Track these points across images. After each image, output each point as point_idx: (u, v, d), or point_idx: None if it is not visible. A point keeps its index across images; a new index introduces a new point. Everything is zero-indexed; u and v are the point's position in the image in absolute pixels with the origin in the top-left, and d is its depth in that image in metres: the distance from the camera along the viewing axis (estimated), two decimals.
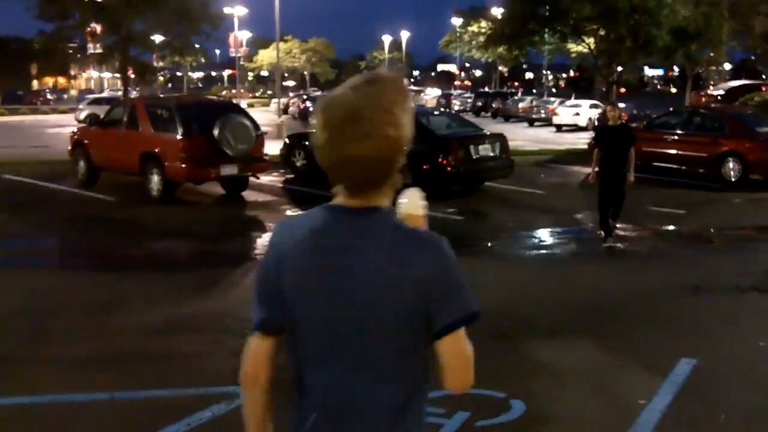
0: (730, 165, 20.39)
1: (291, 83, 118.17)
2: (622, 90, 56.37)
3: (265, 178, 19.62)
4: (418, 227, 2.61)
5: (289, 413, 2.73)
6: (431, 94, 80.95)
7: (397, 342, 2.50)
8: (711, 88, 48.93)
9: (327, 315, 2.51)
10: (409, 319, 2.47)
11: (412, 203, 2.68)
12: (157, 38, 43.09)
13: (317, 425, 2.58)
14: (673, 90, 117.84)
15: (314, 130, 2.50)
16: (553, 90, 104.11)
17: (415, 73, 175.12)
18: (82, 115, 42.69)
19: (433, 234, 2.60)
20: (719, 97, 40.60)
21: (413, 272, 2.45)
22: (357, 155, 2.42)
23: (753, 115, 24.82)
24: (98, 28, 39.59)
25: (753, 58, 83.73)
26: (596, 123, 40.04)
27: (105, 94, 66.64)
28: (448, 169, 18.00)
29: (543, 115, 49.15)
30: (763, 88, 42.92)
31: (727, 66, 78.23)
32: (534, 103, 54.27)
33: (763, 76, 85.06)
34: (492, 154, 19.03)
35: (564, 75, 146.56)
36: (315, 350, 2.60)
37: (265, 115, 43.20)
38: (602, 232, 13.24)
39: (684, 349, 7.91)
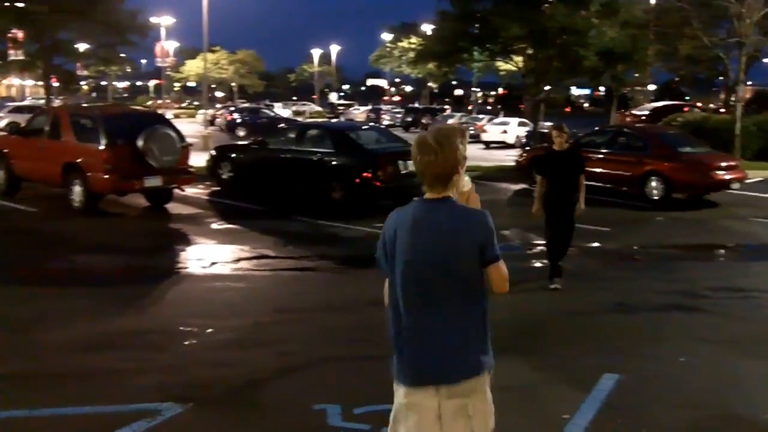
0: (654, 184, 20.66)
1: (219, 94, 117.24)
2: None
3: (190, 191, 19.46)
4: (472, 207, 4.45)
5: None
6: (361, 109, 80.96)
7: (467, 274, 4.06)
8: (636, 108, 49.72)
9: (420, 258, 4.07)
10: (463, 258, 4.04)
11: (462, 184, 4.51)
12: (82, 46, 42.38)
13: (417, 349, 4.09)
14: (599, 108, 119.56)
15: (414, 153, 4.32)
16: (488, 108, 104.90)
17: (345, 87, 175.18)
18: (3, 123, 41.75)
19: (480, 211, 4.22)
20: (644, 117, 41.35)
21: (471, 231, 4.06)
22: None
23: (676, 135, 25.25)
24: (20, 34, 38.78)
25: (677, 79, 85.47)
26: (524, 141, 40.39)
27: (27, 102, 65.21)
28: (377, 183, 17.95)
29: (472, 132, 49.44)
30: (686, 109, 43.86)
31: (652, 87, 79.64)
32: (463, 119, 54.61)
33: (687, 97, 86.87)
34: None
35: (493, 93, 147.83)
36: (410, 289, 4.09)
37: (191, 127, 42.69)
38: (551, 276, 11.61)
39: (607, 365, 8.02)
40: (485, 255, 4.04)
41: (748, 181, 22.51)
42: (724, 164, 21.41)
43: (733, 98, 36.18)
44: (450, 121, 55.33)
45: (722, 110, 50.48)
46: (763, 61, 41.65)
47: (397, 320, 4.14)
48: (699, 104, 57.06)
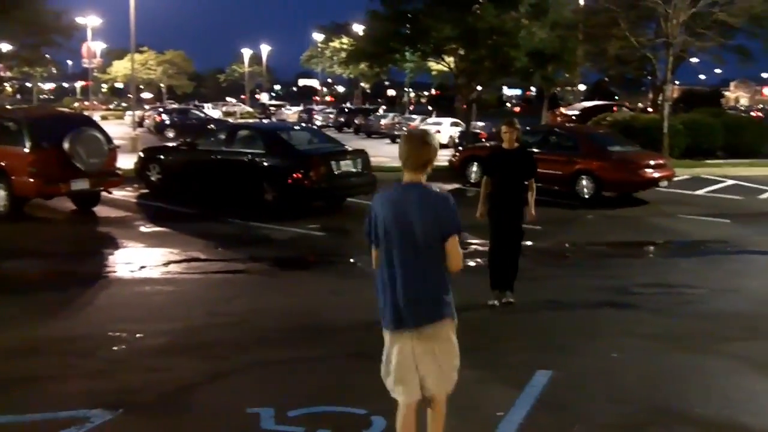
0: (584, 183, 20.90)
1: (147, 95, 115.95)
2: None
3: (118, 193, 19.20)
4: (439, 190, 5.35)
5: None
6: (293, 109, 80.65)
7: (434, 243, 5.20)
8: (566, 108, 50.26)
9: (398, 229, 5.21)
10: (430, 227, 5.18)
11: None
12: (5, 47, 41.50)
13: (397, 300, 5.28)
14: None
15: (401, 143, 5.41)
16: (429, 108, 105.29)
17: (277, 87, 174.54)
18: None
19: (445, 193, 5.34)
20: (574, 117, 41.79)
21: (435, 208, 5.21)
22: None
23: (605, 134, 25.58)
24: None
25: (606, 79, 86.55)
26: (457, 141, 40.52)
27: None
28: (310, 184, 17.84)
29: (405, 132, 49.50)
30: (615, 109, 44.45)
31: (582, 87, 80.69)
32: (396, 119, 54.67)
33: (616, 97, 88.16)
34: (354, 170, 18.99)
35: (426, 93, 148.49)
36: (391, 253, 5.27)
37: (119, 128, 42.19)
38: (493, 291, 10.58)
39: (540, 361, 8.07)
40: (443, 228, 5.18)
41: (675, 179, 22.90)
42: (652, 163, 21.73)
43: (660, 98, 36.72)
44: (383, 122, 55.37)
45: (650, 110, 51.23)
46: (690, 61, 42.26)
47: (382, 277, 5.37)
48: (627, 104, 57.93)
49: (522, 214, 10.60)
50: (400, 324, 5.31)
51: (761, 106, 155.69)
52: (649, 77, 52.07)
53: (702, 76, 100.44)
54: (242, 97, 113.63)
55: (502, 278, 10.57)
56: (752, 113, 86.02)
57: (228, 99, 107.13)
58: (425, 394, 5.47)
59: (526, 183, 10.57)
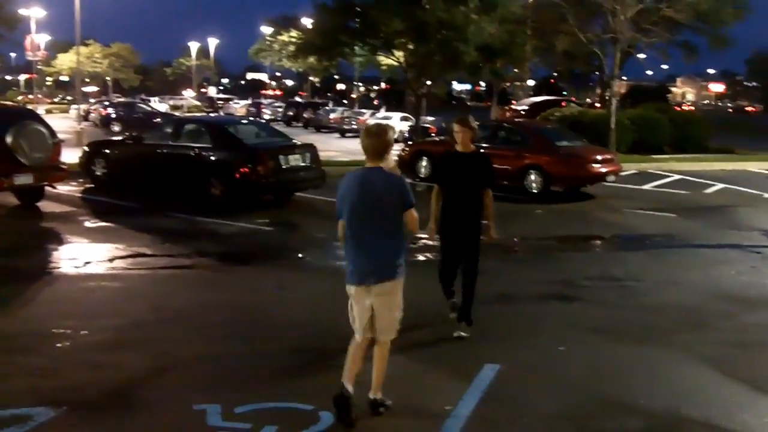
0: (533, 177, 21.02)
1: (93, 89, 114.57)
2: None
3: (62, 188, 18.89)
4: (394, 172, 6.58)
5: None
6: (241, 103, 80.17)
7: (392, 216, 6.48)
8: (515, 103, 50.55)
9: (363, 205, 6.43)
10: (394, 205, 6.45)
11: (389, 162, 6.59)
12: None
13: (360, 261, 6.54)
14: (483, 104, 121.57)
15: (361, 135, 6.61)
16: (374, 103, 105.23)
17: (225, 80, 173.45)
18: None
19: (399, 176, 6.62)
20: (523, 112, 42.06)
21: (394, 188, 6.47)
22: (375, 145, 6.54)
23: (554, 129, 25.70)
24: None
25: (555, 74, 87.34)
26: (406, 135, 40.55)
27: None
28: (257, 179, 17.73)
29: (354, 127, 49.52)
30: (563, 104, 44.80)
31: (531, 82, 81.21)
32: (345, 114, 54.61)
33: (564, 93, 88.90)
34: (303, 165, 18.91)
35: (375, 87, 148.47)
36: (357, 224, 6.48)
37: (64, 122, 41.70)
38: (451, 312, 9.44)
39: (488, 355, 8.12)
40: (404, 203, 6.48)
41: (622, 173, 23.11)
42: (600, 157, 21.90)
43: (608, 93, 37.09)
44: (332, 116, 55.29)
45: (598, 105, 51.80)
46: (637, 57, 42.67)
47: (351, 243, 6.56)
48: (573, 99, 58.45)
49: (479, 231, 9.11)
50: (362, 281, 6.53)
51: (693, 101, 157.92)
52: (597, 73, 52.69)
53: (649, 72, 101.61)
54: (203, 90, 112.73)
55: (452, 290, 9.48)
56: (683, 107, 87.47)
57: (184, 94, 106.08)
58: (374, 335, 6.70)
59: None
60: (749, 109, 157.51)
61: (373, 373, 6.79)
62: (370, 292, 6.52)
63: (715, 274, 12.66)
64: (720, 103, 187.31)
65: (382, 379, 6.81)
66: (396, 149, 31.85)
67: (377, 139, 6.52)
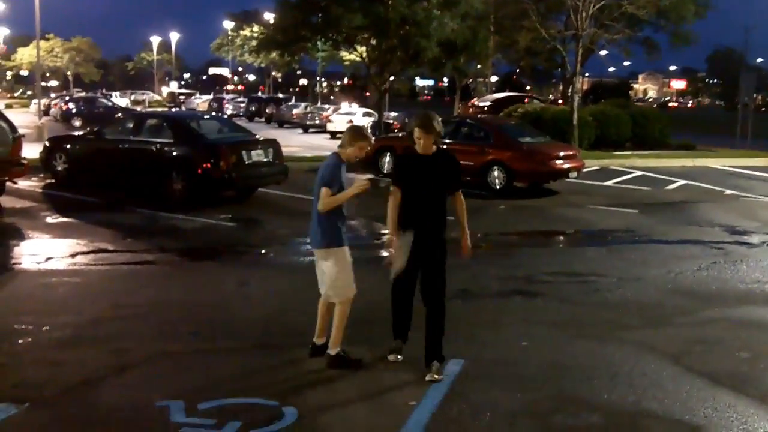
0: (495, 173, 21.09)
1: (53, 83, 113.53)
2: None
3: (23, 183, 18.79)
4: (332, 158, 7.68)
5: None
6: (203, 98, 79.77)
7: (317, 194, 7.45)
8: (478, 99, 50.70)
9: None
10: (318, 184, 7.48)
11: (347, 152, 7.71)
12: None
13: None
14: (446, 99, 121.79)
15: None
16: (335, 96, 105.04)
17: (186, 75, 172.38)
18: None
19: (329, 159, 7.66)
20: (486, 108, 42.14)
21: (319, 170, 7.58)
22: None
23: (517, 125, 25.80)
24: None
25: (517, 71, 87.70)
26: (369, 131, 40.48)
27: None
28: (219, 174, 17.65)
29: (317, 122, 49.42)
30: (526, 100, 44.99)
31: (494, 78, 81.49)
32: (308, 109, 54.51)
33: (527, 88, 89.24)
34: (265, 160, 18.85)
35: (338, 82, 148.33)
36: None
37: (24, 117, 41.30)
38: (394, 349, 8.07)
39: (452, 351, 8.06)
40: (320, 183, 7.45)
41: (585, 170, 23.25)
42: (562, 154, 22.03)
43: (570, 89, 37.30)
44: (295, 111, 55.15)
45: (560, 101, 52.02)
46: (599, 54, 43.02)
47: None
48: (532, 95, 58.68)
49: (444, 242, 7.77)
50: (312, 246, 7.86)
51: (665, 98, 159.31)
52: (559, 69, 52.90)
53: (611, 69, 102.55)
54: (173, 84, 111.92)
55: (407, 323, 8.08)
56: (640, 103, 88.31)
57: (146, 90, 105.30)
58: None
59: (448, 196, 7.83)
60: (672, 105, 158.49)
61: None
62: (316, 256, 7.86)
63: (677, 269, 12.75)
64: (682, 99, 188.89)
65: (339, 337, 7.66)
66: None
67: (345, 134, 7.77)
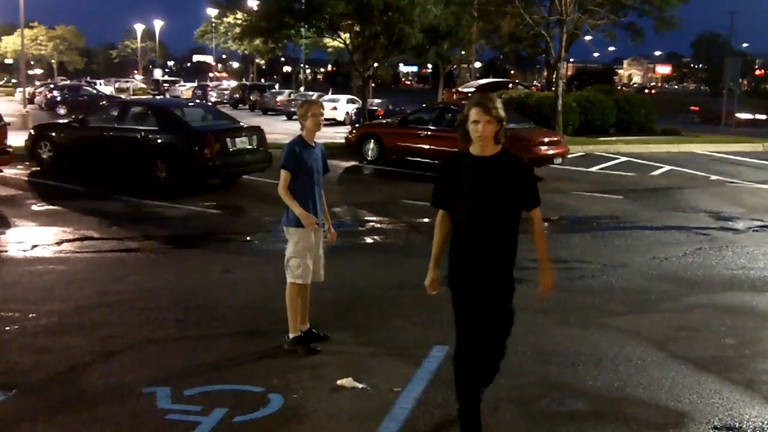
0: None
1: (38, 71, 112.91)
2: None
3: (8, 171, 18.78)
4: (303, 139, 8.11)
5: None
6: (187, 85, 79.45)
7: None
8: (462, 85, 50.67)
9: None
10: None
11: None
12: None
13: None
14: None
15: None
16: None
17: (170, 63, 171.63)
18: None
19: (288, 142, 8.14)
20: (470, 94, 42.12)
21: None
22: None
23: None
24: None
25: (501, 57, 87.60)
26: (353, 118, 40.47)
27: None
28: (204, 162, 17.63)
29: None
30: (510, 86, 44.98)
31: (477, 64, 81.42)
32: (292, 96, 54.36)
33: (512, 73, 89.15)
34: (249, 147, 18.83)
35: (322, 69, 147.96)
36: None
37: (9, 105, 41.11)
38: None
39: (435, 337, 8.14)
40: (280, 164, 8.01)
41: (569, 156, 23.31)
42: (546, 140, 22.06)
43: (554, 75, 37.33)
44: (278, 98, 54.99)
45: (537, 85, 52.09)
46: (584, 39, 43.01)
47: None
48: (517, 81, 58.73)
49: (512, 280, 5.97)
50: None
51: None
52: (543, 55, 52.90)
53: (596, 54, 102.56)
54: (135, 71, 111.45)
55: (476, 420, 5.90)
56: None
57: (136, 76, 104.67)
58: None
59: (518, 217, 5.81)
60: (647, 91, 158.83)
61: None
62: None
63: (662, 255, 12.82)
64: (667, 85, 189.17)
65: (290, 320, 7.91)
66: (342, 131, 31.69)
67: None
